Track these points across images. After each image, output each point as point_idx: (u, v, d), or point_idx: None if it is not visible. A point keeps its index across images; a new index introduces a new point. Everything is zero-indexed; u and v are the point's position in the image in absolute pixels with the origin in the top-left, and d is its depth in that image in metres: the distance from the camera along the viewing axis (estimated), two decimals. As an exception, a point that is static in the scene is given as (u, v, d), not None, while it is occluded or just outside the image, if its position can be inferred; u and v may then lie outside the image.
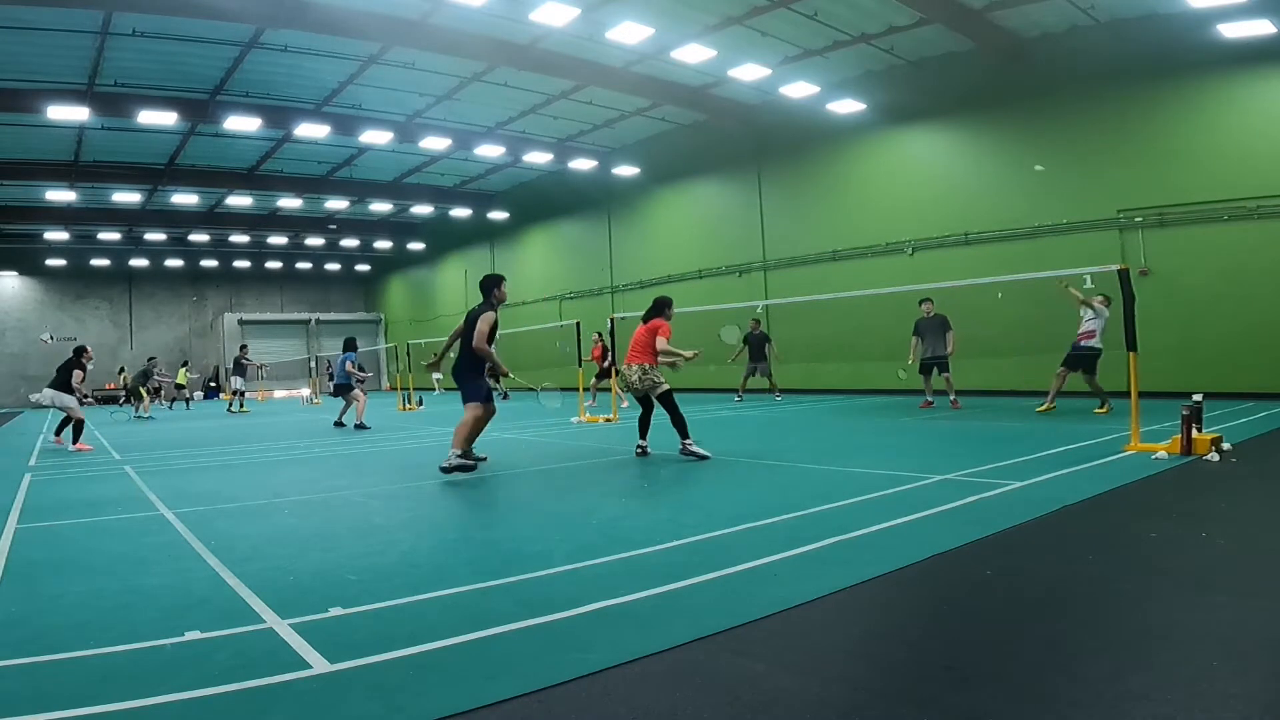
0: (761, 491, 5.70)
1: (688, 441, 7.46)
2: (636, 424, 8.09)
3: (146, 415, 19.31)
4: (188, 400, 26.00)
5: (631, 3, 13.87)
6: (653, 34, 14.52)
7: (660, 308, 8.03)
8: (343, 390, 13.50)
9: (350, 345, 13.88)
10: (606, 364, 15.37)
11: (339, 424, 13.32)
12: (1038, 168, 14.68)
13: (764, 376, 15.99)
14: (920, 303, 12.46)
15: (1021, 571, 3.46)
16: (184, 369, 26.35)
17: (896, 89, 16.89)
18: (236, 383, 20.74)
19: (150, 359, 22.21)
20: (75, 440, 10.73)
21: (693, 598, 3.19)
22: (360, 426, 12.61)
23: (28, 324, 34.01)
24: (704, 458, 7.29)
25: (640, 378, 7.76)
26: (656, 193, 23.45)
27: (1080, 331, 10.22)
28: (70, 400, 10.96)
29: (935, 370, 12.29)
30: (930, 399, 12.61)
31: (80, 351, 11.42)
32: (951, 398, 12.14)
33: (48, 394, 11.15)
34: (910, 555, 3.67)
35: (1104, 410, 9.95)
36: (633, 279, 24.12)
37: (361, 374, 13.70)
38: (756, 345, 15.83)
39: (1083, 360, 10.13)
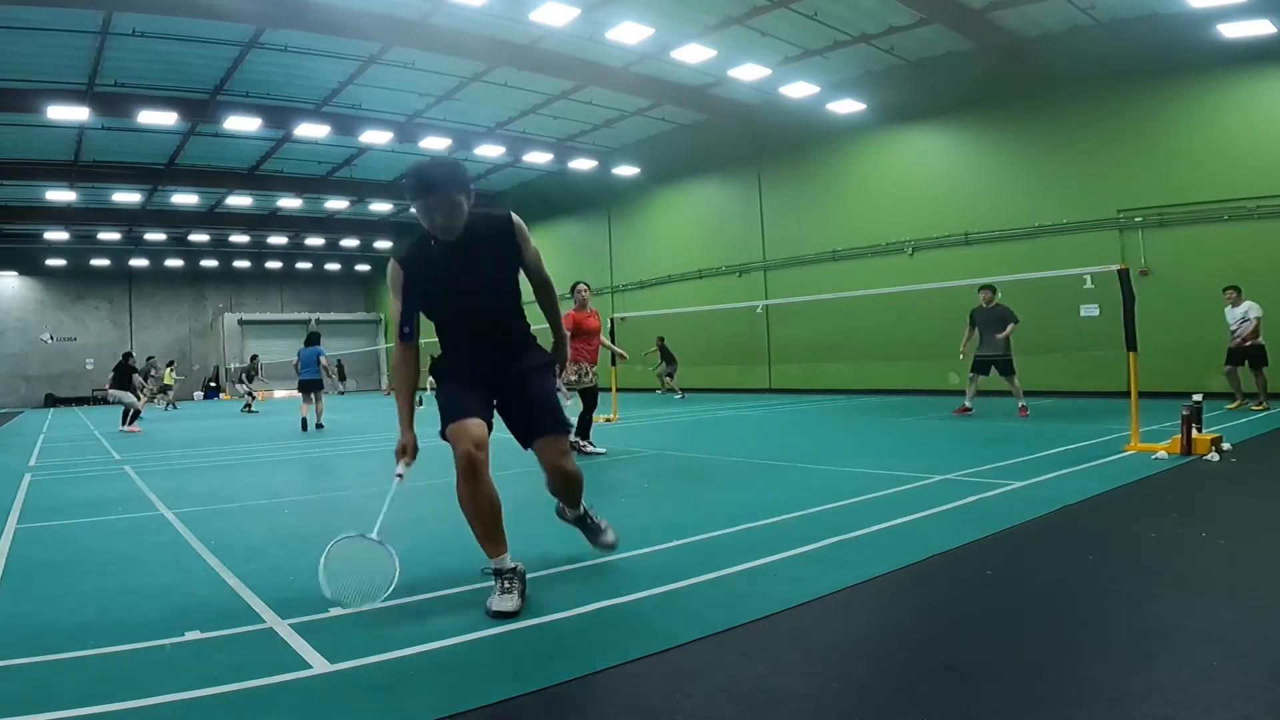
0: (761, 491, 5.69)
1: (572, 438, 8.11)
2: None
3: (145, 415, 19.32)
4: (169, 401, 25.29)
5: (631, 3, 13.87)
6: (653, 34, 14.52)
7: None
8: (312, 387, 12.81)
9: (316, 339, 13.41)
10: None
11: (312, 428, 12.63)
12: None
13: (665, 376, 19.21)
14: (979, 290, 10.65)
15: (1021, 571, 3.46)
16: (169, 369, 25.71)
17: (896, 89, 16.88)
18: (242, 389, 20.86)
19: (149, 358, 22.20)
20: (125, 423, 14.13)
21: (693, 598, 3.18)
22: (315, 426, 12.40)
23: (28, 324, 33.96)
24: (597, 454, 7.91)
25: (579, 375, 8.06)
26: (656, 193, 23.44)
27: (1238, 334, 10.50)
28: (130, 396, 14.39)
29: (994, 370, 10.50)
30: (969, 404, 10.70)
31: (129, 356, 15.37)
32: (1020, 404, 10.32)
33: (114, 394, 14.52)
34: (910, 555, 3.67)
35: (1261, 406, 10.21)
36: (633, 279, 24.11)
37: (333, 374, 13.29)
38: (663, 350, 19.31)
39: (1246, 355, 10.45)
